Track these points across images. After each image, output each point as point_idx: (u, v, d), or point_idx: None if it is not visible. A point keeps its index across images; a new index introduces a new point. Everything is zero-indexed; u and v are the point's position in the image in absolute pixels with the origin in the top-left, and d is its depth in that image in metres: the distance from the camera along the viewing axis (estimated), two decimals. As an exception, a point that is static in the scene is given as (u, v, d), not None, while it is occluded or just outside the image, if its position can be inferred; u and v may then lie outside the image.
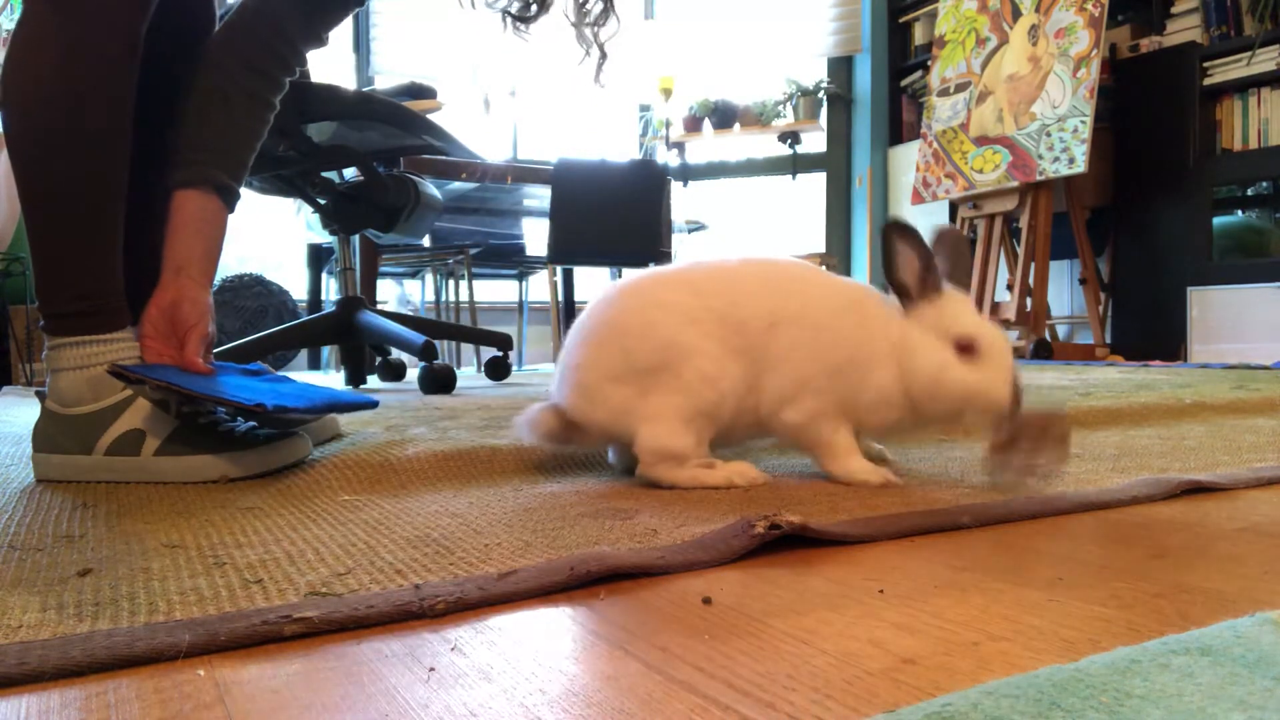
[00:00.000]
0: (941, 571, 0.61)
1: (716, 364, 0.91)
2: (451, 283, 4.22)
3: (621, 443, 0.97)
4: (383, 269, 3.91)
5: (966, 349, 0.89)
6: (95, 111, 1.00)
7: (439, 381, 2.17)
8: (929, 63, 4.67)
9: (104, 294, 1.02)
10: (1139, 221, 4.11)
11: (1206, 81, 3.90)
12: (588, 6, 1.29)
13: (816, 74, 5.42)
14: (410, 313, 3.94)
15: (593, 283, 4.96)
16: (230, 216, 1.11)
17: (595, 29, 1.30)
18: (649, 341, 0.92)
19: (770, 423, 0.95)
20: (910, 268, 0.92)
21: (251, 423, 1.04)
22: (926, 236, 0.93)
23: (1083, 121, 3.71)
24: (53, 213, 1.00)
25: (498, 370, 2.79)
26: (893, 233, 0.92)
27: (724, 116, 5.36)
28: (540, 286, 4.48)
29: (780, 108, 5.32)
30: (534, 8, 1.29)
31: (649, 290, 0.96)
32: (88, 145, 1.00)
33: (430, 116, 2.27)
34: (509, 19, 1.29)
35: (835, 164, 5.47)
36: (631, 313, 0.95)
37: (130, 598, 0.55)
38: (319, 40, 1.19)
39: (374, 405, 1.16)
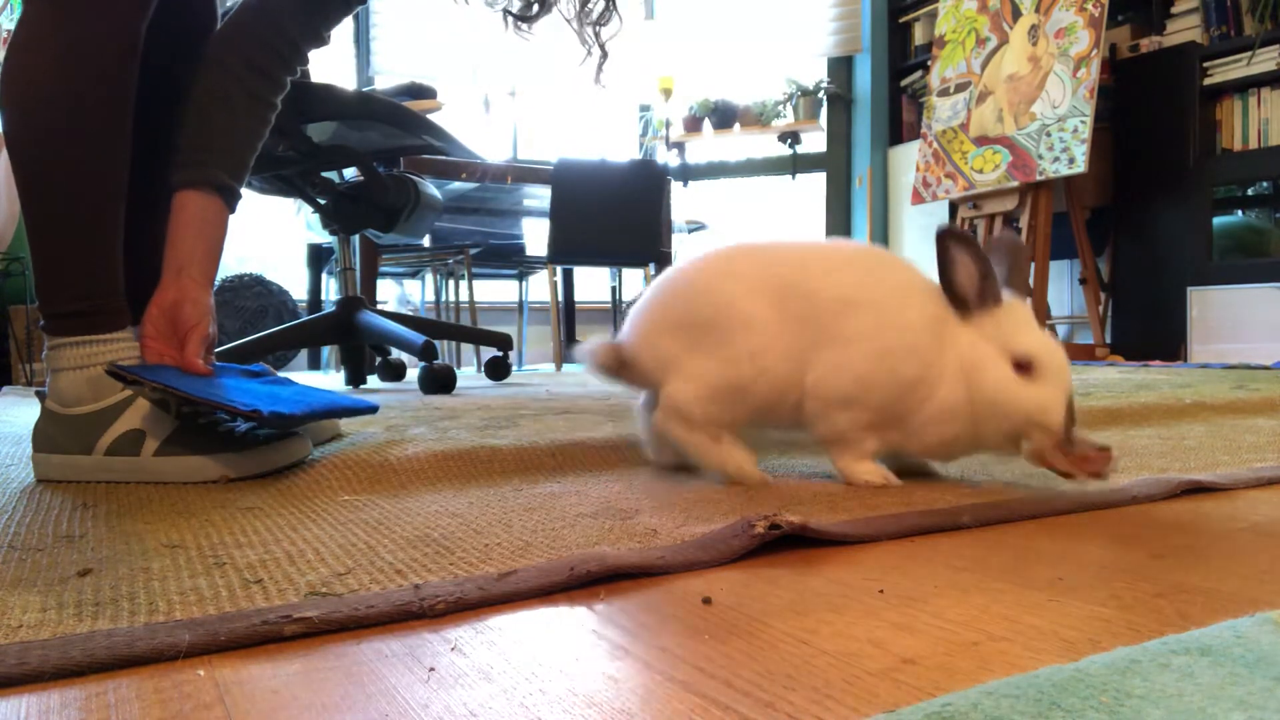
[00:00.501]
0: (941, 571, 0.61)
1: (767, 338, 0.91)
2: (451, 283, 4.22)
3: (655, 392, 0.98)
4: (383, 269, 3.91)
5: (1025, 367, 0.87)
6: (95, 111, 0.99)
7: (439, 381, 2.17)
8: (929, 63, 4.67)
9: (104, 294, 1.02)
10: (1139, 221, 4.11)
11: (1206, 81, 3.90)
12: (590, 5, 1.29)
13: (816, 74, 5.42)
14: (410, 313, 3.94)
15: (593, 283, 4.96)
16: (231, 217, 1.11)
17: (597, 28, 1.30)
18: (709, 301, 0.94)
19: (812, 411, 0.93)
20: (969, 277, 0.89)
21: (251, 423, 1.04)
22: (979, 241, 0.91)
23: (1083, 121, 3.71)
24: (53, 213, 1.00)
25: (498, 370, 2.79)
26: (949, 240, 0.90)
27: (724, 116, 5.36)
28: (540, 286, 4.48)
29: (780, 108, 5.31)
30: (535, 7, 1.28)
31: (726, 256, 0.99)
32: (88, 145, 1.00)
33: (430, 116, 2.27)
34: (510, 18, 1.29)
35: (835, 164, 5.47)
36: (704, 273, 0.98)
37: (130, 598, 0.55)
38: (320, 39, 1.19)
39: (374, 410, 1.15)
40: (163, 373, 0.99)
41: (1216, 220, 3.92)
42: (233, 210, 1.10)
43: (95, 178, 1.01)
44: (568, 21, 1.29)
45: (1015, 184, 3.98)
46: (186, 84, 1.09)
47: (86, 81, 0.99)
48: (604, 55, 1.32)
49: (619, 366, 0.99)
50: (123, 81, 1.02)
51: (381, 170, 2.31)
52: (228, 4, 1.28)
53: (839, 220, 5.49)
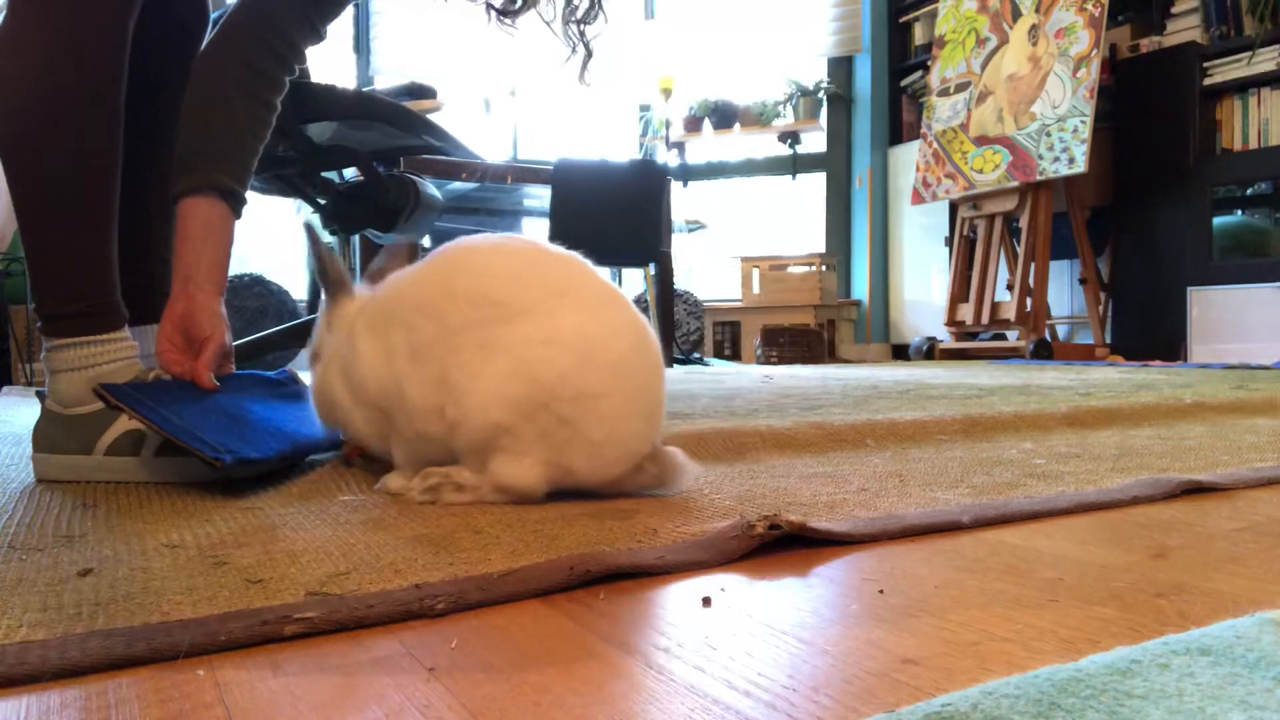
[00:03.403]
0: (941, 571, 0.61)
1: None
2: (452, 283, 4.21)
3: None
4: (383, 269, 3.90)
5: None
6: (84, 110, 0.99)
7: (439, 381, 2.17)
8: (929, 63, 4.67)
9: (99, 294, 1.02)
10: (1139, 221, 4.11)
11: (1206, 81, 3.90)
12: (574, 2, 1.27)
13: (816, 74, 5.42)
14: (410, 313, 3.93)
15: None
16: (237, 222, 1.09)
17: (581, 26, 1.27)
18: None
19: None
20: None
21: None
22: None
23: (1083, 121, 3.71)
24: (45, 213, 0.99)
25: (498, 370, 2.79)
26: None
27: (724, 116, 5.36)
28: (540, 286, 4.47)
29: (780, 108, 5.32)
30: (518, 1, 1.26)
31: None
32: (78, 145, 0.99)
33: (430, 116, 2.27)
34: (492, 12, 1.27)
35: (835, 164, 5.47)
36: None
37: (130, 598, 0.55)
38: (316, 35, 1.16)
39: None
40: (147, 394, 0.96)
41: (1216, 220, 3.93)
42: (238, 215, 1.07)
43: (86, 177, 1.00)
44: (547, 23, 1.26)
45: (1015, 184, 3.98)
46: (176, 80, 1.08)
47: (74, 80, 0.98)
48: (588, 54, 1.29)
49: None
50: (111, 79, 1.00)
51: (381, 170, 2.31)
52: (226, 4, 1.28)
53: (839, 220, 5.49)
